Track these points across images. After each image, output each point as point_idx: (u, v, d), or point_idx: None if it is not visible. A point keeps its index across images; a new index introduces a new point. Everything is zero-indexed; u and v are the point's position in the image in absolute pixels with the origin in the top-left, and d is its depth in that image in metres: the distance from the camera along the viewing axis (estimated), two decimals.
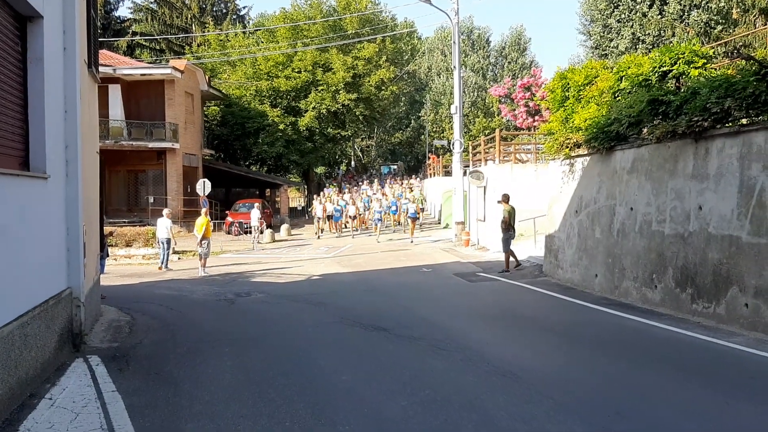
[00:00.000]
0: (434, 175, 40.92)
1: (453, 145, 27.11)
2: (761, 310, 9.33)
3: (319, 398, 6.59)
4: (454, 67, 27.36)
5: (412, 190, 37.22)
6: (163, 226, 21.15)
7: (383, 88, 46.13)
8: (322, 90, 43.91)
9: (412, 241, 27.82)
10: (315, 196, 39.26)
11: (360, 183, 52.14)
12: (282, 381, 7.25)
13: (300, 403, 6.43)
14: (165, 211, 22.04)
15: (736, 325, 9.71)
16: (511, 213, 17.78)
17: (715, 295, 10.25)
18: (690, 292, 10.88)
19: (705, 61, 12.06)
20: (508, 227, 17.67)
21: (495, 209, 22.92)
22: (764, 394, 6.60)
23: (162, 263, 20.96)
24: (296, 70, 44.03)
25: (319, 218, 32.69)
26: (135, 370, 7.94)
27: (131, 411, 6.24)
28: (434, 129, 61.51)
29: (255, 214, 29.88)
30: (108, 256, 17.17)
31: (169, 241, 21.04)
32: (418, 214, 31.13)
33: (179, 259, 23.44)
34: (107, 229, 18.15)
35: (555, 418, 5.93)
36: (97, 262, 12.47)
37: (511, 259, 17.74)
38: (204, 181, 27.09)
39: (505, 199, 17.90)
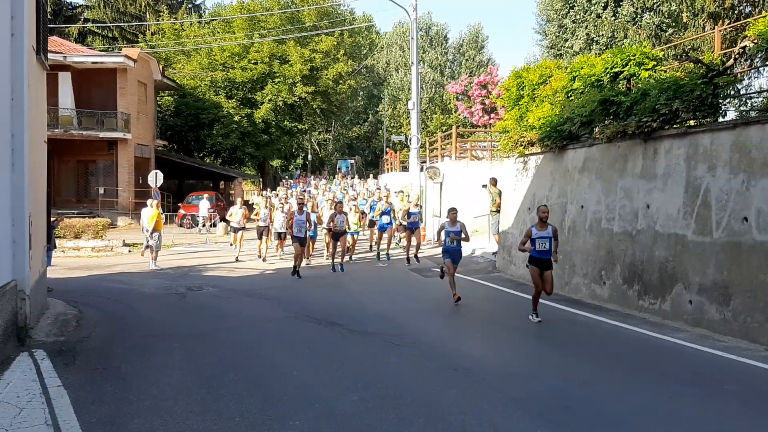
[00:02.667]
0: (391, 170, 40.98)
1: (410, 140, 27.17)
2: (704, 306, 9.62)
3: (269, 394, 6.56)
4: (412, 62, 27.42)
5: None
6: (147, 215, 20.91)
7: (341, 81, 45.95)
8: (278, 82, 43.53)
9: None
10: (234, 199, 28.62)
11: (309, 184, 42.78)
12: (232, 376, 7.20)
13: (250, 398, 6.39)
14: (149, 201, 21.76)
15: (681, 321, 9.99)
16: (501, 195, 17.76)
17: (661, 291, 10.53)
18: (637, 288, 11.15)
19: (655, 63, 12.35)
20: (498, 209, 17.76)
21: (451, 205, 23.06)
22: (706, 388, 6.81)
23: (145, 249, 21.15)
24: (253, 62, 43.55)
25: (261, 229, 20.66)
26: (82, 364, 7.78)
27: (77, 406, 6.11)
28: (392, 124, 61.56)
29: (204, 205, 29.54)
30: (55, 248, 16.75)
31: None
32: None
33: (129, 251, 22.99)
34: (52, 216, 17.63)
35: (505, 412, 6.02)
36: (44, 254, 12.15)
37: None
38: (156, 173, 26.58)
39: (493, 182, 17.98)
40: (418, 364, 7.77)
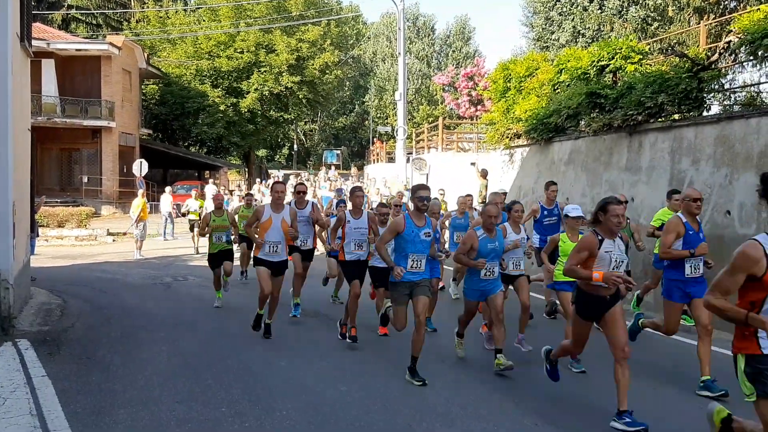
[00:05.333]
0: (377, 161, 40.92)
1: (397, 132, 27.16)
2: None
3: (256, 384, 6.56)
4: (399, 53, 27.39)
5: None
6: (167, 201, 22.73)
7: (327, 71, 45.71)
8: (264, 71, 43.26)
9: None
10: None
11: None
12: (219, 366, 7.19)
13: (237, 388, 6.39)
14: (168, 189, 23.38)
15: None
16: (487, 188, 17.91)
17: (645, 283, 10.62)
18: None
19: (641, 56, 12.43)
20: (484, 201, 17.89)
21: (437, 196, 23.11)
22: (689, 380, 6.89)
23: (163, 236, 22.79)
24: (239, 51, 43.22)
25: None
26: (66, 354, 7.74)
27: (62, 396, 6.08)
28: (378, 115, 61.48)
29: (210, 190, 28.38)
30: (38, 236, 16.60)
31: (170, 215, 22.84)
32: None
33: (114, 241, 22.86)
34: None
35: (491, 402, 6.07)
36: (27, 242, 12.05)
37: None
38: (141, 162, 26.40)
39: (484, 174, 18.05)
40: (405, 355, 7.79)
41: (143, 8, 47.82)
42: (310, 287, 12.67)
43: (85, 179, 32.23)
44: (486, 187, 17.72)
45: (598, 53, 12.84)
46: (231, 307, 11.01)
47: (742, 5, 20.14)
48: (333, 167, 48.42)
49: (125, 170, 32.57)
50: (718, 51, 10.69)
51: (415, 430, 5.42)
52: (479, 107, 33.73)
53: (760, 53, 9.58)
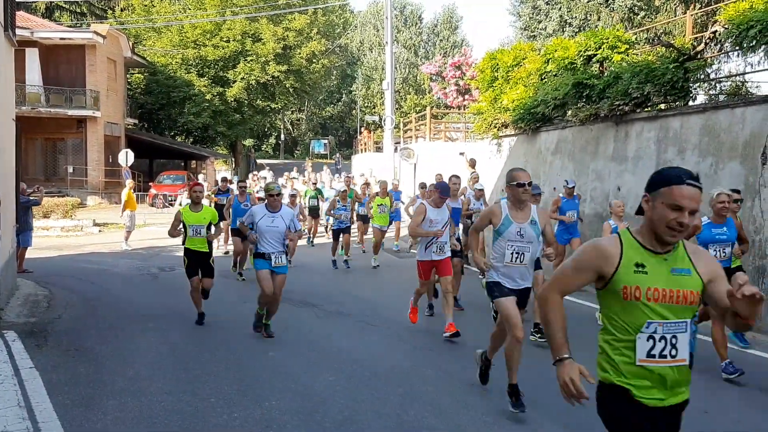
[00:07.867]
0: (365, 151, 40.85)
1: (384, 121, 27.11)
2: None
3: (245, 374, 6.58)
4: (387, 42, 27.30)
5: None
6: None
7: (314, 60, 45.56)
8: (251, 60, 43.03)
9: None
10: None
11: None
12: (207, 357, 7.20)
13: (226, 379, 6.40)
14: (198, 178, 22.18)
15: None
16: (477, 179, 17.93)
17: None
18: None
19: (628, 46, 12.47)
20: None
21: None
22: None
23: None
24: (225, 40, 42.95)
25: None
26: (54, 346, 7.71)
27: (50, 388, 6.07)
28: (366, 104, 61.35)
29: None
30: (31, 228, 16.45)
31: None
32: None
33: (100, 231, 22.72)
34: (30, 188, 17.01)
35: (477, 390, 6.12)
36: (14, 233, 11.96)
37: None
38: (126, 152, 26.20)
39: (472, 163, 18.04)
40: (393, 344, 7.84)
41: None
42: (297, 278, 12.71)
43: (70, 169, 31.97)
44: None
45: (585, 43, 12.87)
46: (218, 298, 10.99)
47: None
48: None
49: (111, 160, 32.36)
50: (703, 41, 10.75)
51: (403, 419, 5.46)
52: (467, 97, 33.71)
53: (745, 43, 9.64)
